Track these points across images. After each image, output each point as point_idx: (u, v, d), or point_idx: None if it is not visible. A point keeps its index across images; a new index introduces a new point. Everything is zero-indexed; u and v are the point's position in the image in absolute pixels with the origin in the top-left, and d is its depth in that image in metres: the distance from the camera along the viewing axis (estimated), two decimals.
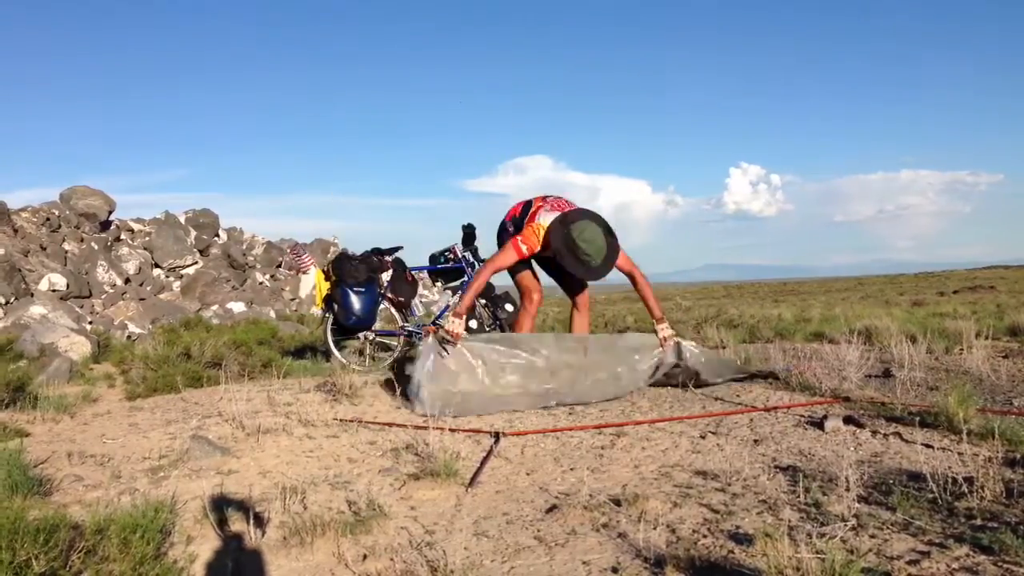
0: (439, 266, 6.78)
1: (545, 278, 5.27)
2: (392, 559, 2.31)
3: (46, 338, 8.23)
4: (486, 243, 6.77)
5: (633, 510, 2.57)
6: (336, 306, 6.33)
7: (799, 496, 2.59)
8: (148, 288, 18.71)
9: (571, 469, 3.19)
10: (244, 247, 23.49)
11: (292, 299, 21.36)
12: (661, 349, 4.67)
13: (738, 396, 4.36)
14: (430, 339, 4.44)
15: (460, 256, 6.75)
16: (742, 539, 2.26)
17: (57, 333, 8.50)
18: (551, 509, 2.68)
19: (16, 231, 16.59)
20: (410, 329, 6.68)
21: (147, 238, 20.38)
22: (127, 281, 18.36)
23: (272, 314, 18.22)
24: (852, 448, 3.17)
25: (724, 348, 6.27)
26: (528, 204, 4.98)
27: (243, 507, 2.78)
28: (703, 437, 3.54)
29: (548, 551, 2.32)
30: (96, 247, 18.34)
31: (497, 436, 3.67)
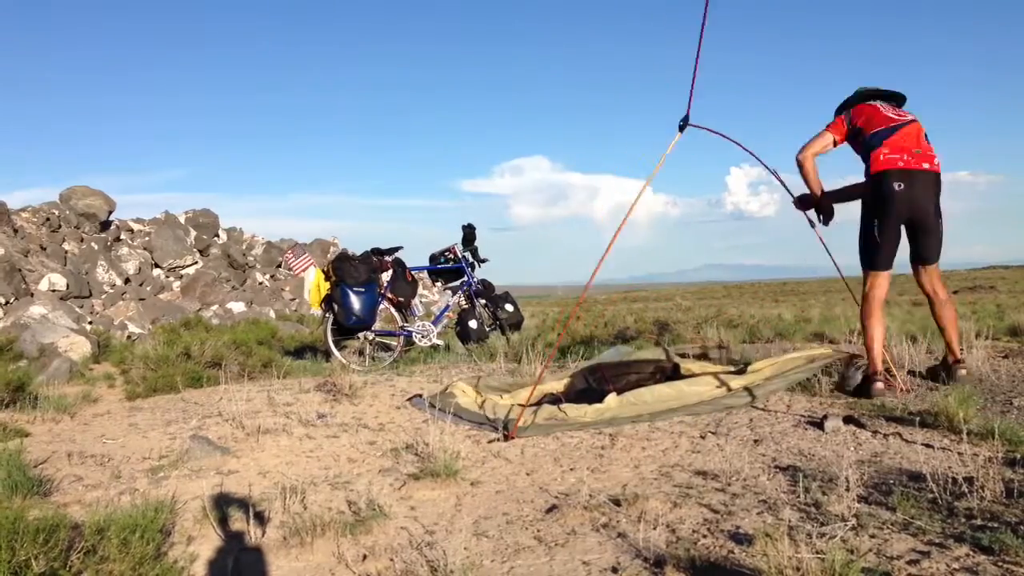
0: (439, 266, 6.78)
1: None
2: (392, 559, 2.31)
3: (46, 338, 8.22)
4: (485, 244, 6.79)
5: (633, 510, 2.57)
6: (336, 306, 6.34)
7: (799, 496, 2.59)
8: (148, 288, 18.71)
9: (571, 469, 3.19)
10: (244, 247, 23.48)
11: (292, 299, 21.35)
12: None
13: None
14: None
15: (460, 256, 6.75)
16: (742, 539, 2.26)
17: (57, 333, 8.50)
18: (551, 509, 2.68)
19: (16, 231, 16.59)
20: (410, 329, 6.68)
21: (147, 238, 20.38)
22: (127, 281, 18.36)
23: (272, 314, 18.22)
24: (852, 448, 3.17)
25: (724, 348, 6.26)
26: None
27: (243, 507, 2.78)
28: (703, 437, 3.53)
29: (548, 551, 2.32)
30: (96, 247, 18.34)
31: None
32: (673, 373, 4.80)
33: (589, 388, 4.73)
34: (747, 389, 4.21)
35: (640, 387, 4.46)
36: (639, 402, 4.23)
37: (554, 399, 4.47)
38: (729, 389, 4.27)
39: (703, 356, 5.66)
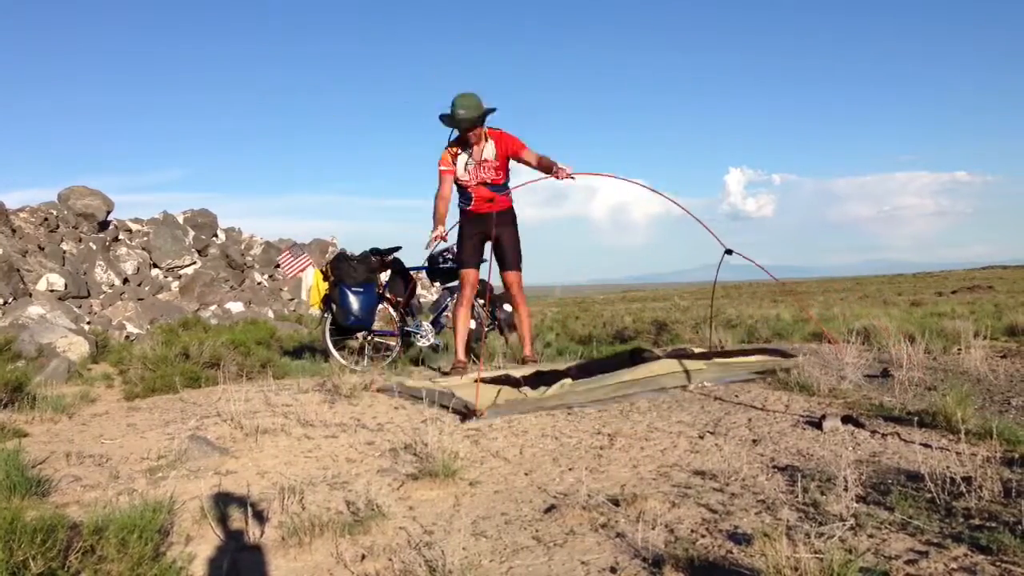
0: (438, 266, 6.78)
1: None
2: (390, 559, 2.31)
3: (44, 338, 8.22)
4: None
5: (631, 510, 2.57)
6: (334, 306, 6.33)
7: (797, 496, 2.60)
8: (146, 288, 18.70)
9: (569, 469, 3.19)
10: (242, 247, 23.48)
11: (291, 299, 21.35)
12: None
13: (737, 396, 4.36)
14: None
15: None
16: (740, 539, 2.26)
17: (55, 333, 8.50)
18: (550, 509, 2.68)
19: (14, 231, 16.57)
20: (408, 329, 6.68)
21: (145, 238, 20.36)
22: (125, 281, 18.35)
23: (270, 314, 18.22)
24: (850, 448, 3.17)
25: (722, 348, 6.27)
26: None
27: (241, 507, 2.78)
28: (701, 437, 3.54)
29: (547, 551, 2.32)
30: (94, 247, 18.32)
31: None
32: (633, 360, 5.19)
33: (547, 372, 5.03)
34: (687, 372, 4.72)
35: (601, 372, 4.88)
36: (595, 384, 4.60)
37: (514, 381, 4.67)
38: (674, 372, 4.73)
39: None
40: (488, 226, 5.36)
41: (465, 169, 5.42)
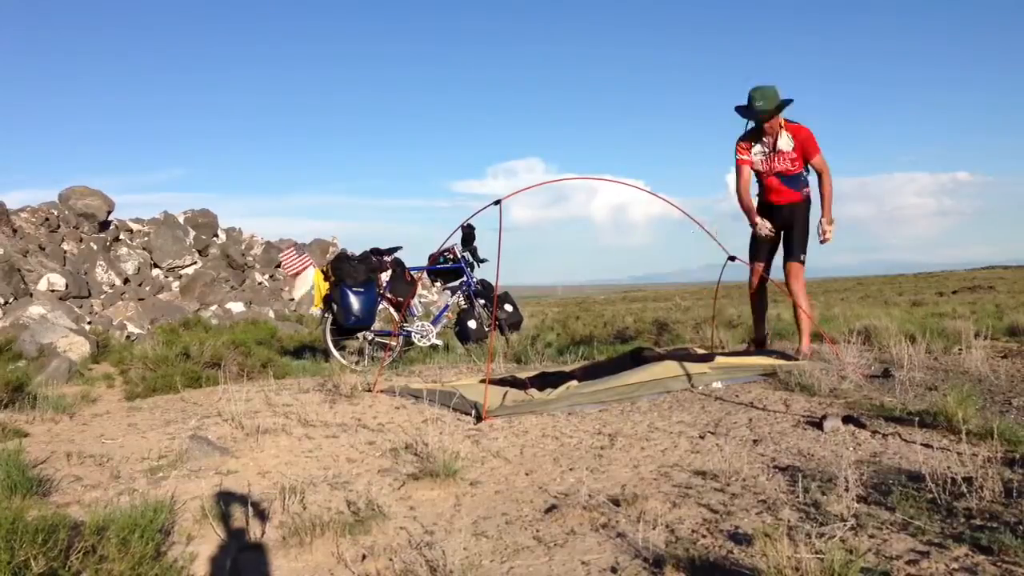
0: (438, 266, 6.78)
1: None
2: (391, 559, 2.32)
3: (45, 338, 8.22)
4: (484, 245, 6.79)
5: (632, 510, 2.57)
6: (335, 306, 6.34)
7: (798, 496, 2.60)
8: (147, 288, 18.70)
9: (570, 469, 3.19)
10: (243, 247, 23.47)
11: (291, 299, 21.36)
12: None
13: (737, 396, 4.36)
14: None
15: (459, 256, 6.75)
16: (741, 539, 2.26)
17: (56, 333, 8.50)
18: (550, 509, 2.68)
19: (15, 231, 16.58)
20: (409, 329, 6.68)
21: (146, 238, 20.36)
22: (126, 281, 18.35)
23: (271, 314, 18.23)
24: (851, 448, 3.17)
25: (723, 349, 6.27)
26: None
27: (242, 507, 2.78)
28: (702, 437, 3.54)
29: (547, 551, 2.32)
30: (95, 247, 18.33)
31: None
32: (635, 360, 5.19)
33: (552, 373, 5.06)
34: (691, 375, 4.70)
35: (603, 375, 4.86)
36: (601, 387, 4.57)
37: (519, 383, 4.70)
38: (679, 375, 4.71)
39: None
40: (778, 218, 5.38)
41: (759, 159, 5.40)
